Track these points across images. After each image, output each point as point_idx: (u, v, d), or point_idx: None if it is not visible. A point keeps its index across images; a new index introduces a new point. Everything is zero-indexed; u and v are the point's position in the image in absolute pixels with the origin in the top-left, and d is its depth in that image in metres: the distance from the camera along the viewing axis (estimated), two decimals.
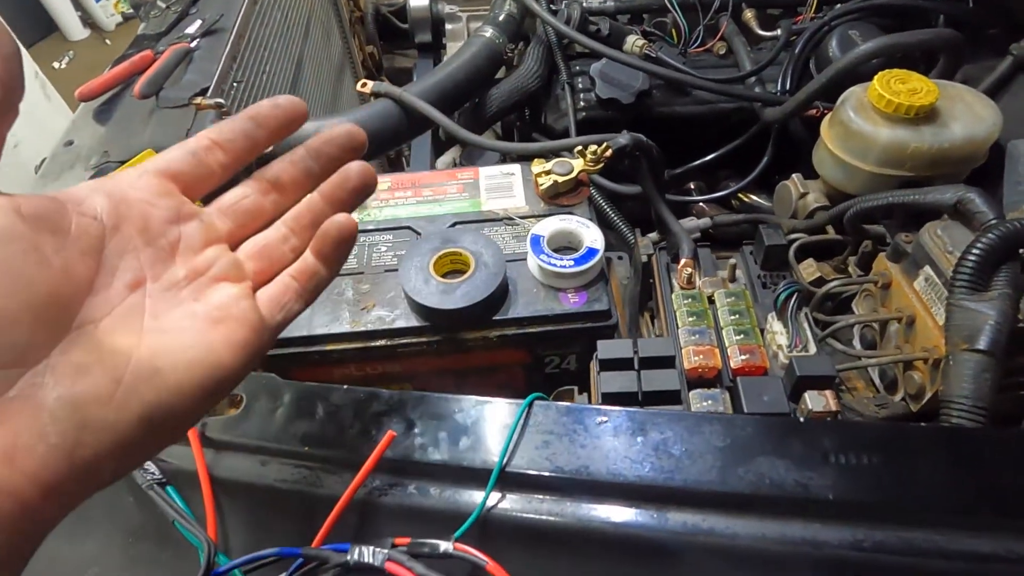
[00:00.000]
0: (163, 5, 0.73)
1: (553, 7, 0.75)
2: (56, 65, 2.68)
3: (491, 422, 0.32)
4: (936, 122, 0.52)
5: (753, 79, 0.73)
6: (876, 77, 0.53)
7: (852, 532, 0.26)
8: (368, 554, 0.28)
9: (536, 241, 0.48)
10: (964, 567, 0.26)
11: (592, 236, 0.48)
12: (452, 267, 0.47)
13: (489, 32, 0.74)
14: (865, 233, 0.52)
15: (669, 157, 0.68)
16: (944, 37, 0.59)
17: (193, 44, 0.64)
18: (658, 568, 0.28)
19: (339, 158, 0.29)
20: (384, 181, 0.55)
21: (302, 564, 0.29)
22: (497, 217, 0.52)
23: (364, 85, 0.64)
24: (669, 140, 0.63)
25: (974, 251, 0.38)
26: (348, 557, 0.29)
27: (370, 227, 0.52)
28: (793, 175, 0.61)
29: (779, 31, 0.79)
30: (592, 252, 0.47)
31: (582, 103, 0.73)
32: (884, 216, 0.50)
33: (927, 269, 0.43)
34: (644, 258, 0.53)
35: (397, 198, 0.54)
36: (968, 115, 0.52)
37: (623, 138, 0.53)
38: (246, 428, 0.34)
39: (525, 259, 0.49)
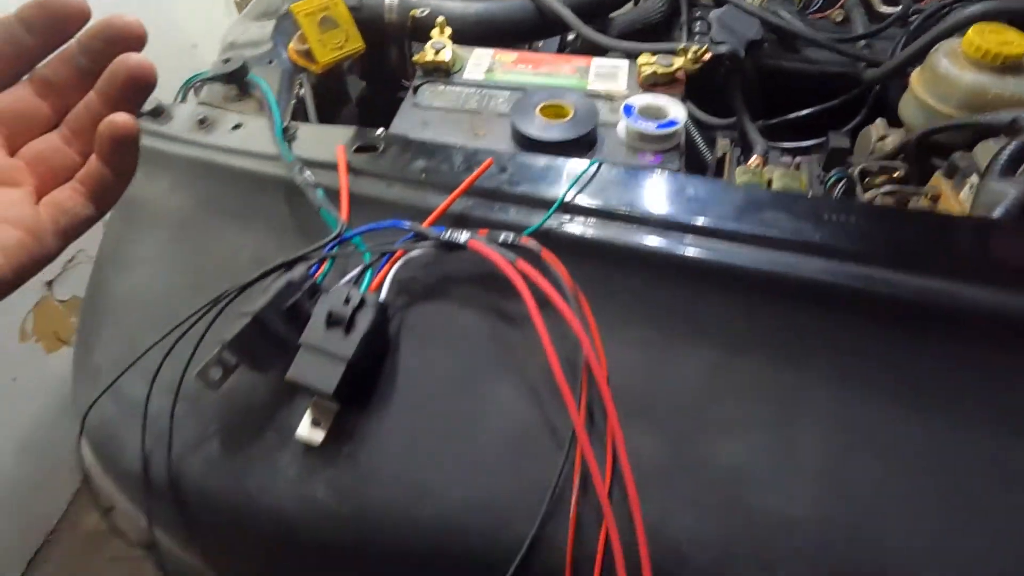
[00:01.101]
0: None
1: None
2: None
3: (565, 172, 0.41)
4: (1020, 74, 0.56)
5: (863, 44, 0.77)
6: (972, 27, 0.57)
7: (826, 264, 0.33)
8: (457, 234, 0.38)
9: (628, 108, 0.56)
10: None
11: (677, 110, 0.56)
12: (555, 114, 0.57)
13: None
14: (931, 164, 0.57)
15: (768, 110, 0.75)
16: None
17: None
18: (678, 277, 0.36)
19: (109, 52, 0.27)
20: (512, 55, 0.66)
21: (411, 237, 0.39)
22: (598, 94, 0.61)
23: None
24: (772, 93, 0.69)
25: (1012, 145, 0.43)
26: (442, 235, 0.38)
27: (492, 84, 0.63)
28: (877, 119, 0.66)
29: (900, 7, 0.83)
30: (674, 122, 0.55)
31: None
32: (948, 142, 0.55)
33: (973, 177, 0.48)
34: (720, 153, 0.60)
35: (519, 68, 0.64)
36: None
37: (723, 47, 0.61)
38: (380, 163, 0.45)
39: (615, 127, 0.58)
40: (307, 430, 0.36)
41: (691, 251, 0.36)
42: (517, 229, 0.39)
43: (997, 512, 0.29)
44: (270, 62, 0.62)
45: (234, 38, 0.67)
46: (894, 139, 0.65)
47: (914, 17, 0.80)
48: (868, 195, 0.53)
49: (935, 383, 0.32)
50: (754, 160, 0.57)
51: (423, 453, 0.35)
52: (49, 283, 1.29)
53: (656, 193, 0.39)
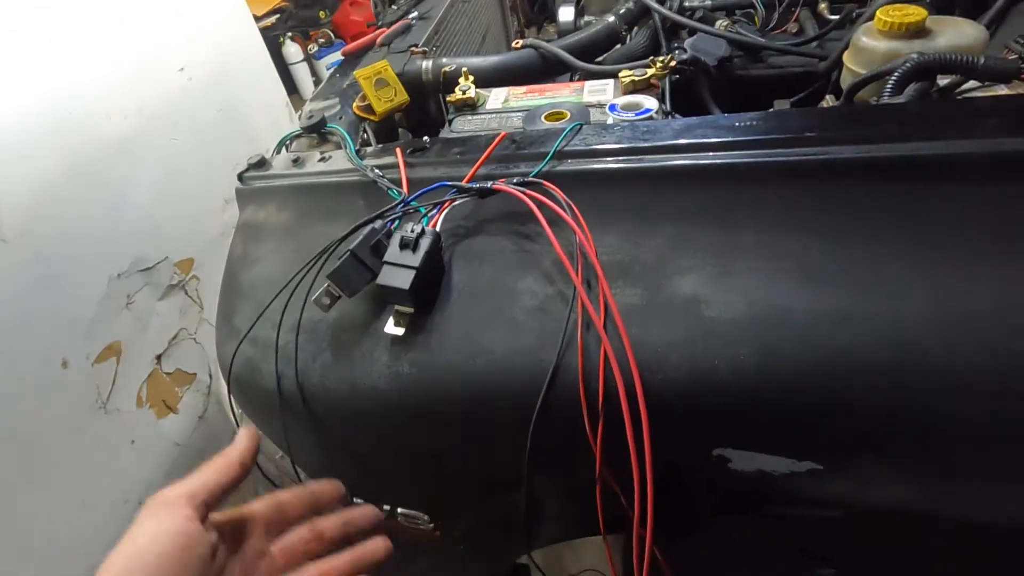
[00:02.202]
0: (394, 8, 1.11)
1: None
2: (296, 115, 3.42)
3: (557, 132, 0.57)
4: (926, 37, 0.69)
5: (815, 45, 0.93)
6: (879, 9, 0.72)
7: (740, 153, 0.47)
8: (486, 184, 0.54)
9: (612, 106, 0.72)
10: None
11: (650, 102, 0.71)
12: (555, 118, 0.73)
13: (611, 18, 1.02)
14: None
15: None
16: None
17: (412, 21, 1.00)
18: (641, 185, 0.51)
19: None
20: (521, 88, 0.84)
21: (454, 192, 0.55)
22: (592, 104, 0.78)
23: (518, 43, 0.94)
24: (744, 98, 0.84)
25: (897, 71, 0.56)
26: (476, 185, 0.54)
27: (507, 110, 0.80)
28: (827, 95, 0.80)
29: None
30: (648, 110, 0.70)
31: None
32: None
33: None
34: None
35: (528, 96, 0.82)
36: (953, 31, 0.69)
37: (684, 54, 0.77)
38: (428, 155, 0.62)
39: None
40: (391, 327, 0.51)
41: (647, 165, 0.50)
42: (526, 175, 0.54)
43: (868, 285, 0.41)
44: (340, 118, 0.82)
45: (311, 108, 0.88)
46: (835, 105, 0.78)
47: (858, 20, 0.95)
48: None
49: (826, 216, 0.45)
50: None
51: (475, 329, 0.49)
52: (158, 357, 1.50)
53: (620, 134, 0.54)
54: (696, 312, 0.43)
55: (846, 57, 0.76)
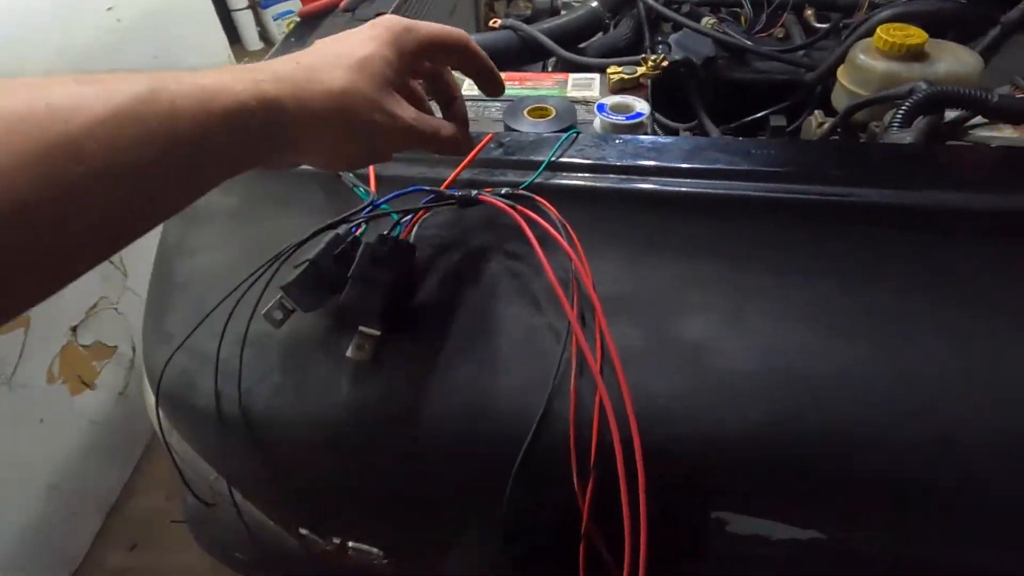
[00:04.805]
0: None
1: None
2: None
3: (550, 140, 0.51)
4: (924, 61, 0.67)
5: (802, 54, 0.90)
6: (880, 27, 0.69)
7: (754, 184, 0.43)
8: (470, 192, 0.48)
9: (601, 107, 0.67)
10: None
11: (642, 105, 0.66)
12: (539, 115, 0.67)
13: (595, 3, 0.96)
14: (857, 138, 0.68)
15: (726, 117, 0.86)
16: (947, 9, 0.75)
17: None
18: (643, 208, 0.46)
19: None
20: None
21: (432, 198, 0.49)
22: (577, 100, 0.72)
23: (495, 22, 0.87)
24: (728, 102, 0.81)
25: (907, 103, 0.53)
26: (457, 192, 0.48)
27: (485, 98, 0.73)
28: (816, 111, 0.77)
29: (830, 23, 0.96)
30: (640, 114, 0.65)
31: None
32: (867, 120, 0.66)
33: (885, 135, 0.59)
34: None
35: (508, 84, 0.75)
36: (952, 59, 0.67)
37: (677, 54, 0.72)
38: None
39: (592, 124, 0.68)
40: (354, 352, 0.45)
41: (651, 186, 0.46)
42: (515, 186, 0.48)
43: (902, 349, 0.38)
44: None
45: None
46: (829, 125, 0.75)
47: (844, 30, 0.93)
48: None
49: (849, 262, 0.41)
50: None
51: (451, 361, 0.44)
52: (73, 328, 1.37)
53: (620, 149, 0.49)
54: (704, 361, 0.39)
55: (840, 74, 0.73)
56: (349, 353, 0.45)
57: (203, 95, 0.29)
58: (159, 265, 0.62)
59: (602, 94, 0.73)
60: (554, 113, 0.66)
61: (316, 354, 0.46)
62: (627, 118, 0.65)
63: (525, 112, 0.66)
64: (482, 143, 0.50)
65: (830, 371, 0.38)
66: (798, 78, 0.88)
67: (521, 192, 0.47)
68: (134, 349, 1.51)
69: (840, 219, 0.43)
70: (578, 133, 0.51)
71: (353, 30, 0.38)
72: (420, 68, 0.44)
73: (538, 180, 0.48)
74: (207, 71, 0.31)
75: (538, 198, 0.46)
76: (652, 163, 0.46)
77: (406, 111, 0.38)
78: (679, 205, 0.45)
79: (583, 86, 0.75)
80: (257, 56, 3.35)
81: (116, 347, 1.48)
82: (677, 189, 0.45)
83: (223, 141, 0.30)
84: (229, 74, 0.31)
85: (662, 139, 0.49)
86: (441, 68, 0.45)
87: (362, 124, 0.36)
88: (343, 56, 0.36)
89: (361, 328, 0.45)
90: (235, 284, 0.49)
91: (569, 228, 0.44)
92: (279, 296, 0.46)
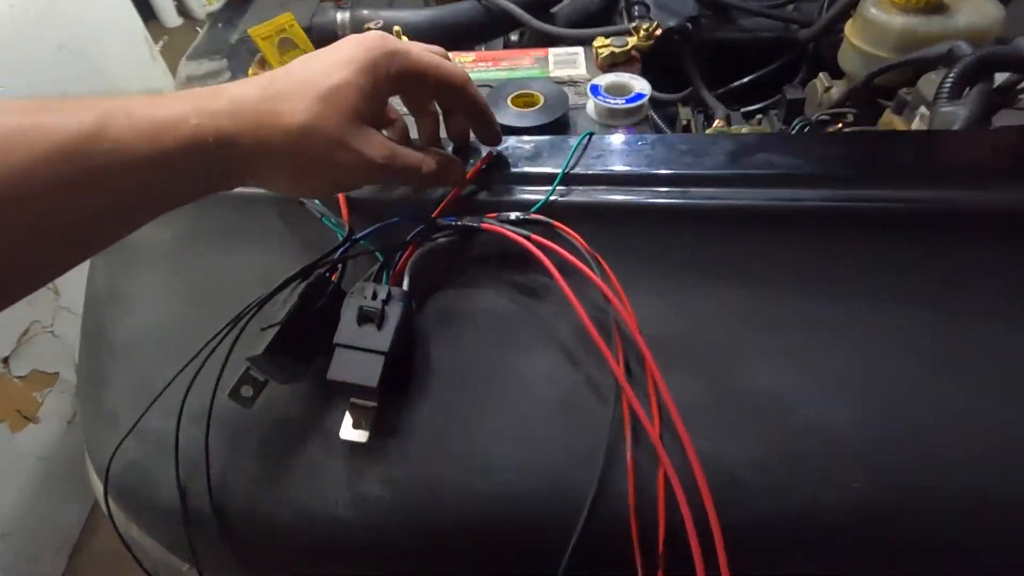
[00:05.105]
0: None
1: None
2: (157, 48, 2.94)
3: (561, 147, 0.43)
4: (944, 13, 0.61)
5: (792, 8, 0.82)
6: None
7: (818, 192, 0.36)
8: (470, 220, 0.39)
9: (595, 88, 0.58)
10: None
11: (641, 85, 0.58)
12: (525, 103, 0.58)
13: None
14: (877, 104, 0.61)
15: (713, 81, 0.78)
16: None
17: None
18: (682, 227, 0.38)
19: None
20: (469, 55, 0.67)
21: (422, 229, 0.40)
22: (562, 80, 0.63)
23: None
24: (714, 65, 0.72)
25: (954, 71, 0.46)
26: (455, 222, 0.39)
27: None
28: (820, 73, 0.70)
29: None
30: (641, 95, 0.57)
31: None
32: (888, 84, 0.59)
33: (922, 108, 0.52)
34: (684, 121, 0.62)
35: (479, 67, 0.66)
36: (972, 9, 0.61)
37: (672, 21, 0.64)
38: None
39: (584, 108, 0.60)
40: (350, 431, 0.37)
41: (692, 200, 0.38)
42: (523, 208, 0.40)
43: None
44: None
45: (189, 73, 0.66)
46: (838, 89, 0.69)
47: None
48: None
49: (937, 280, 0.35)
50: (718, 123, 0.59)
51: (472, 432, 0.36)
52: (5, 360, 1.23)
53: (649, 153, 0.41)
54: (785, 416, 0.33)
55: (849, 31, 0.66)
56: (343, 433, 0.36)
57: (153, 130, 0.29)
58: (89, 319, 0.51)
59: (589, 71, 0.64)
60: (542, 100, 0.57)
61: (301, 436, 0.38)
62: (626, 100, 0.56)
63: (508, 101, 0.57)
64: (477, 165, 0.41)
65: (950, 424, 0.31)
66: (790, 35, 0.81)
67: (534, 217, 0.38)
68: (77, 373, 1.37)
69: (932, 232, 0.36)
70: (591, 135, 0.42)
71: (332, 46, 0.35)
72: (404, 92, 0.40)
73: (551, 198, 0.40)
74: (165, 97, 0.30)
75: (558, 224, 0.37)
76: (691, 171, 0.38)
77: (375, 148, 0.34)
78: (727, 220, 0.37)
79: (566, 63, 0.65)
80: (179, 34, 3.07)
81: (57, 373, 1.35)
82: (726, 202, 0.37)
83: (173, 175, 0.30)
84: (187, 103, 0.30)
85: (699, 138, 0.41)
86: (425, 102, 0.41)
87: (322, 164, 0.34)
88: (310, 84, 0.33)
89: (354, 400, 0.37)
90: (184, 346, 0.40)
91: (603, 262, 0.36)
92: (246, 367, 0.37)
